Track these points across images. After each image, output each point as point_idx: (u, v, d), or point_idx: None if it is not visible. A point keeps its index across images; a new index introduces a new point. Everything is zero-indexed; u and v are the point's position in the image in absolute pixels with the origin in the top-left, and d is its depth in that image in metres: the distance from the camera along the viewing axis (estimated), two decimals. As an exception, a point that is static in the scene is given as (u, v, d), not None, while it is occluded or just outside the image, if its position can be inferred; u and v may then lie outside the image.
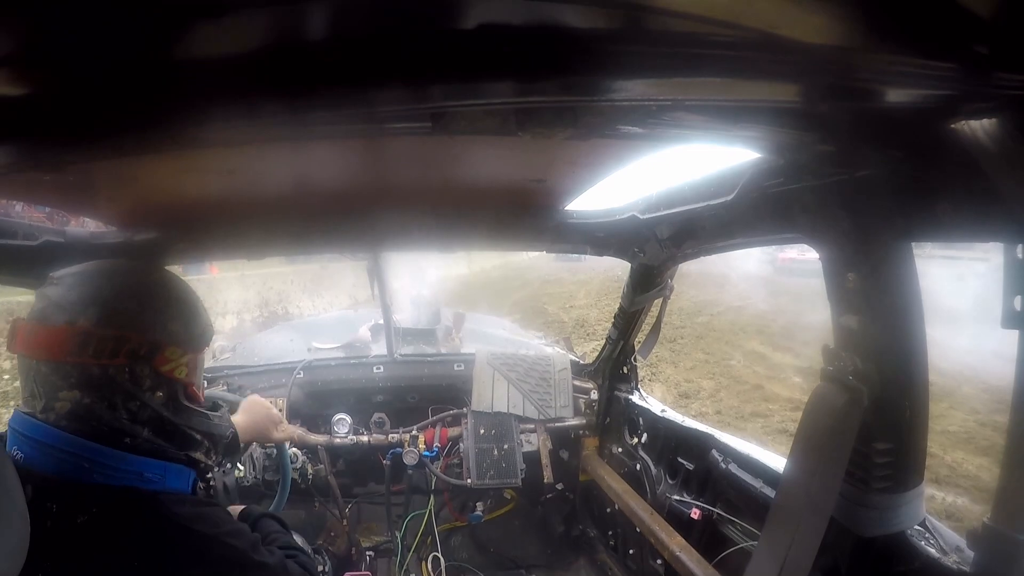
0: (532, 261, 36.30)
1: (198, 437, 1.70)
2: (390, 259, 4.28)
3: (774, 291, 25.32)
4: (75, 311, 1.51)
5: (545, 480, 3.87)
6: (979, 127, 1.09)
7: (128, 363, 1.54)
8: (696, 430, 3.11)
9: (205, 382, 1.87)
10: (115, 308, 1.55)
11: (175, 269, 2.43)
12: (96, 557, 1.38)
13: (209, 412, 1.76)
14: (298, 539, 2.38)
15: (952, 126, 1.13)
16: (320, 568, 2.80)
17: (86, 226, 2.71)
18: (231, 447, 2.02)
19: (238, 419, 2.36)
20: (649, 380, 13.01)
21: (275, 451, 3.34)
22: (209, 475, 1.87)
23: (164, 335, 1.61)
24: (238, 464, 3.44)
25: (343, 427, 3.83)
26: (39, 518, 1.27)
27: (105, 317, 1.52)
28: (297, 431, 3.66)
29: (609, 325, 3.87)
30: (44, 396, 1.48)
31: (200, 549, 1.51)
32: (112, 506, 1.41)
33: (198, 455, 1.70)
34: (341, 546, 3.87)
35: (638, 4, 0.84)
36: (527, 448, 3.91)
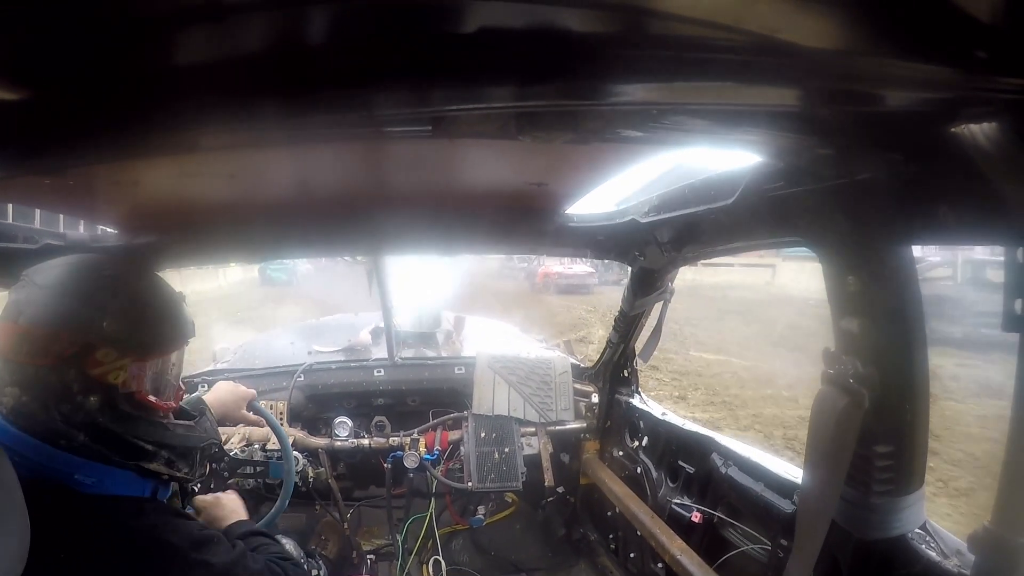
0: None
1: (149, 448, 1.60)
2: (391, 262, 4.28)
3: (570, 321, 20.77)
4: (18, 309, 1.50)
5: (546, 483, 3.87)
6: (979, 131, 1.09)
7: (55, 363, 1.48)
8: (697, 433, 3.11)
9: (182, 387, 1.83)
10: (52, 306, 1.51)
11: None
12: None
13: (173, 422, 1.70)
14: (288, 544, 2.37)
15: (952, 130, 1.13)
16: (315, 572, 2.81)
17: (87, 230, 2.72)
18: (213, 456, 1.93)
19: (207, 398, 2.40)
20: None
21: (277, 454, 3.31)
22: (188, 485, 1.86)
23: (98, 336, 1.51)
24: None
25: (344, 430, 3.84)
26: None
27: (41, 316, 1.49)
28: (287, 432, 3.63)
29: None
30: None
31: (149, 554, 1.46)
32: (36, 502, 1.27)
33: (154, 466, 1.61)
34: (334, 549, 3.87)
35: (638, 8, 0.84)
36: (528, 451, 3.91)
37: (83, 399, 1.49)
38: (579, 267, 31.97)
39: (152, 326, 1.63)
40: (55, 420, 1.46)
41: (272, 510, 2.70)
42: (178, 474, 1.68)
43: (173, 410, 1.73)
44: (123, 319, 1.55)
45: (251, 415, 2.65)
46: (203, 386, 3.65)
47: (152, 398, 1.62)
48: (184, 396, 1.89)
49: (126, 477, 1.55)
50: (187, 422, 1.78)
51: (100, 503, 1.48)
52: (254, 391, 2.64)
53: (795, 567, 1.83)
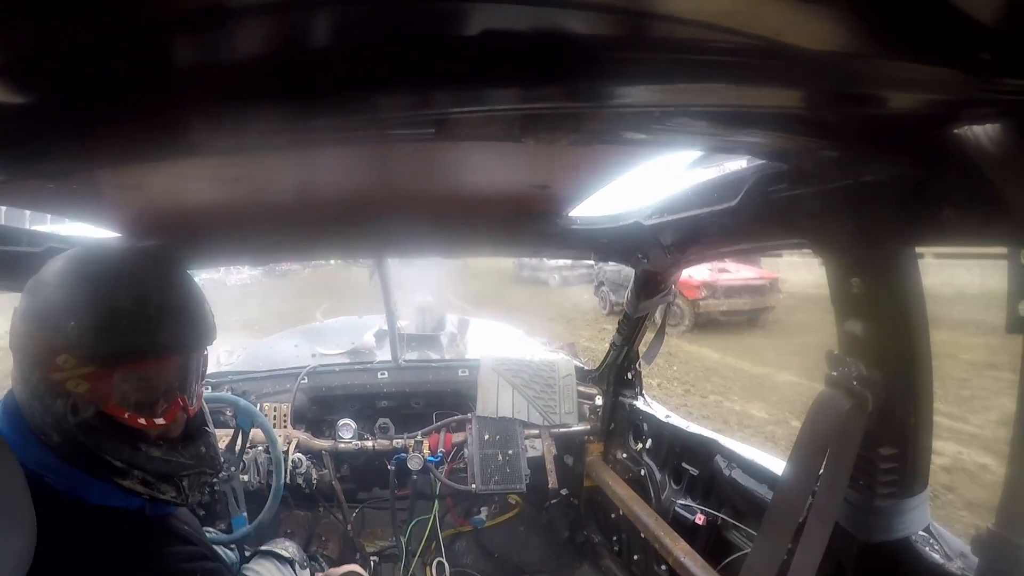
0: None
1: (119, 465, 1.44)
2: (394, 264, 4.29)
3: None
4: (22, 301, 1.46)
5: (550, 486, 3.88)
6: (983, 132, 1.09)
7: (23, 361, 1.43)
8: (700, 436, 3.10)
9: (183, 403, 1.58)
10: (29, 302, 1.44)
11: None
12: None
13: (148, 443, 1.50)
14: (292, 548, 2.39)
15: (956, 131, 1.12)
16: None
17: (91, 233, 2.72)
18: (209, 482, 1.71)
19: None
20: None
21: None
22: (178, 502, 1.59)
23: (60, 339, 1.39)
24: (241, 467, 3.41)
25: (348, 432, 3.84)
26: None
27: (22, 310, 1.44)
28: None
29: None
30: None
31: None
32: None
33: (128, 484, 1.46)
34: (335, 550, 3.89)
35: (642, 10, 0.84)
36: (532, 454, 3.91)
37: (51, 401, 1.39)
38: (748, 270, 17.45)
39: (123, 332, 1.43)
40: (36, 415, 1.41)
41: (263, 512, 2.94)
42: (161, 496, 1.51)
43: (161, 427, 1.53)
44: (87, 320, 1.40)
45: None
46: (207, 388, 3.65)
47: (126, 413, 1.46)
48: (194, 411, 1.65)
49: (104, 488, 1.44)
50: (170, 444, 1.56)
51: (78, 510, 1.40)
52: None
53: (757, 560, 1.83)
